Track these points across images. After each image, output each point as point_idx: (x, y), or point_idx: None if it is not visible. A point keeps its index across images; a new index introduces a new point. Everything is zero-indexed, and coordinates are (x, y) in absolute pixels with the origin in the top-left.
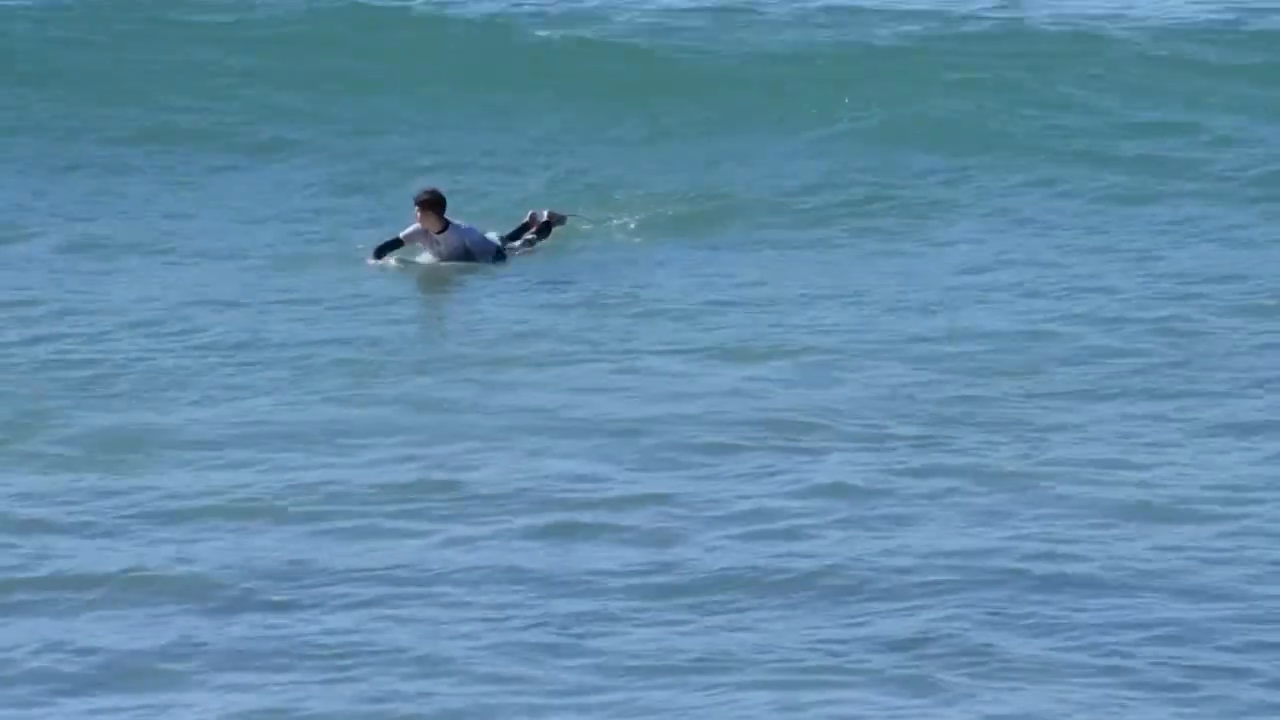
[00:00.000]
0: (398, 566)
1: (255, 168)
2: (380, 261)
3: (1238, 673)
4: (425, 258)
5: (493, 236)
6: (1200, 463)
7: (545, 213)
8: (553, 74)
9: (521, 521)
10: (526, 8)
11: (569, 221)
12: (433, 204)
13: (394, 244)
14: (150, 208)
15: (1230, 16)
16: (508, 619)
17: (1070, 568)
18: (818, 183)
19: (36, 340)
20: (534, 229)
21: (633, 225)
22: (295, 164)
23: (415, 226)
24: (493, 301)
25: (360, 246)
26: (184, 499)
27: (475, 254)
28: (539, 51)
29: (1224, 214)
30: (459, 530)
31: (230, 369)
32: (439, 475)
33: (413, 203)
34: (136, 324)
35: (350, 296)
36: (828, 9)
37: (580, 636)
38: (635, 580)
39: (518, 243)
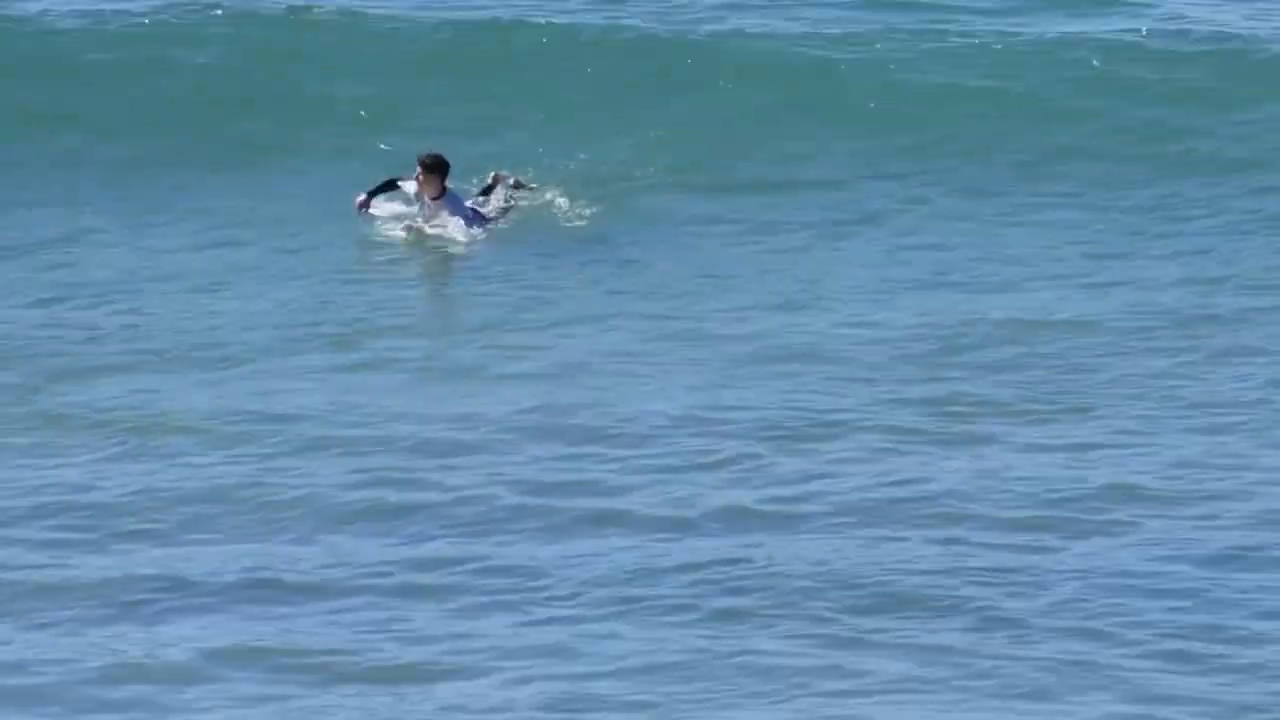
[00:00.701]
0: (410, 554)
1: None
2: (368, 206)
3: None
4: (412, 213)
5: (470, 207)
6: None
7: (512, 179)
8: (549, 63)
9: (531, 509)
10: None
11: (521, 191)
12: (436, 168)
13: (389, 185)
14: (172, 187)
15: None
16: (525, 606)
17: (1096, 546)
18: (836, 166)
19: (69, 312)
20: (505, 185)
21: (597, 207)
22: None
23: (415, 186)
24: (494, 275)
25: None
26: (195, 471)
27: (454, 226)
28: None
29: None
30: (471, 513)
31: (260, 339)
32: (457, 458)
33: (416, 163)
34: (136, 294)
35: (344, 267)
36: None
37: (593, 632)
38: (648, 570)
39: (491, 209)
